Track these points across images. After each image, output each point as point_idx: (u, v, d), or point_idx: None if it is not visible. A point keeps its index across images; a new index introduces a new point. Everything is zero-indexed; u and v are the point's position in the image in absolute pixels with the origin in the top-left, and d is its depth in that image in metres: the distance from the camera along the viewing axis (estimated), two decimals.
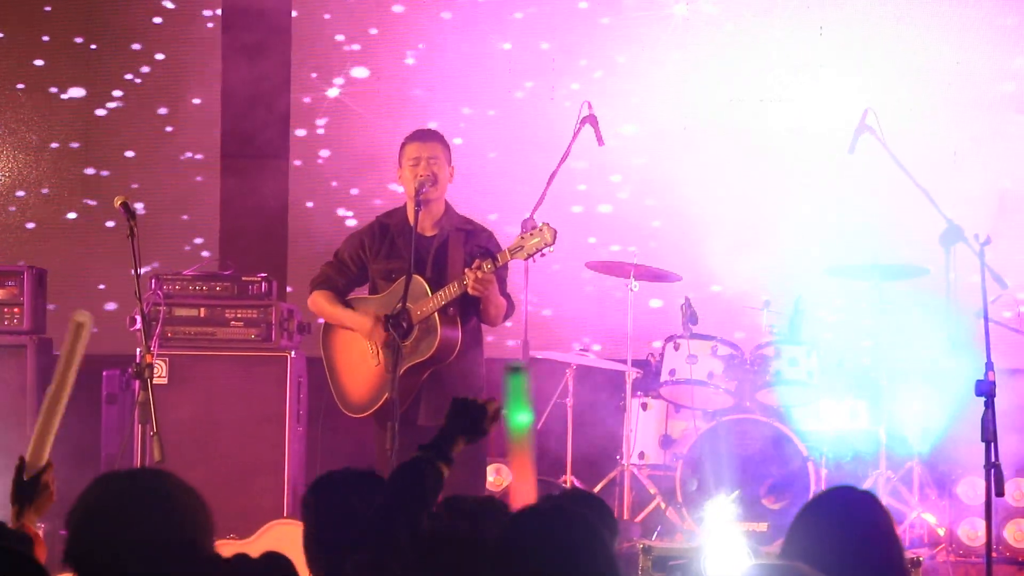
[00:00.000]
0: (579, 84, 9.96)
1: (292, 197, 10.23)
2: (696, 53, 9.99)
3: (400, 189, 7.70)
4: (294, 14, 10.25)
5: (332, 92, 10.20)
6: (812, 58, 9.92)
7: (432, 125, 8.18)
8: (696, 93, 9.95)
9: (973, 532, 8.37)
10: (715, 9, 10.02)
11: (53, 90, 10.29)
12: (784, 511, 8.45)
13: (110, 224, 9.98)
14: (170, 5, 10.29)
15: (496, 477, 8.86)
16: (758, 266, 9.47)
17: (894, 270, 8.80)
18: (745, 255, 9.57)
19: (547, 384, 9.07)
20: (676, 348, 8.78)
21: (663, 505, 8.68)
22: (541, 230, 6.98)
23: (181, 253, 10.09)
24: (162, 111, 10.28)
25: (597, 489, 8.91)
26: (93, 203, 10.23)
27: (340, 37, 10.23)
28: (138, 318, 7.27)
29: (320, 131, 10.23)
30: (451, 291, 7.06)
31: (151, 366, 6.75)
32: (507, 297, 7.26)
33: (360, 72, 10.21)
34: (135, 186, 10.09)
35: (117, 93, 10.30)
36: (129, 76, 10.28)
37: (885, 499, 8.30)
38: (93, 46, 10.29)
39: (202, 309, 8.62)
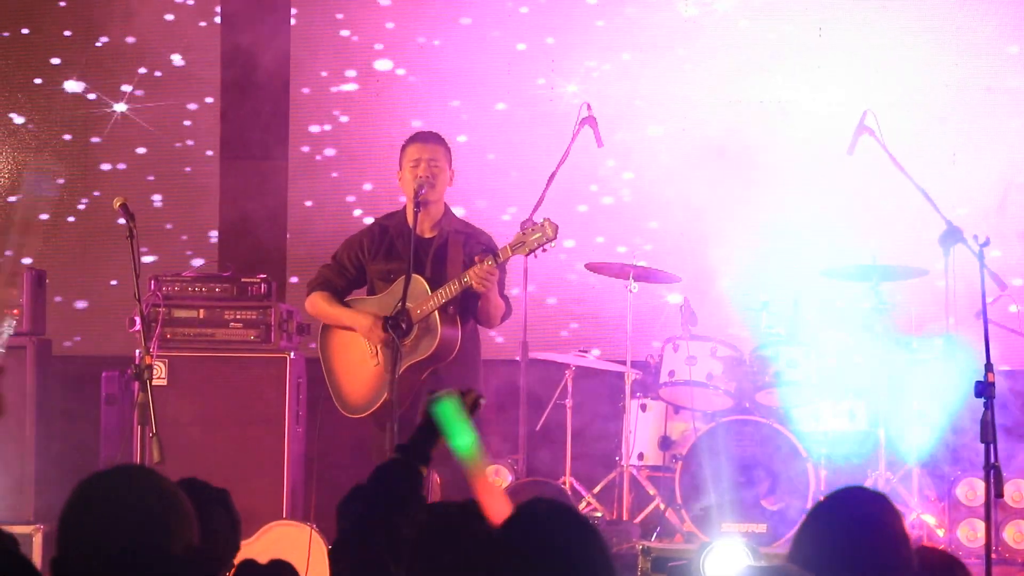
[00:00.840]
0: (578, 85, 9.96)
1: (291, 197, 10.23)
2: (695, 54, 9.98)
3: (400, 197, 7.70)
4: (294, 11, 10.25)
5: (335, 88, 10.21)
6: (811, 59, 9.92)
7: (421, 123, 8.18)
8: (695, 94, 9.95)
9: (972, 533, 8.37)
10: (715, 11, 10.02)
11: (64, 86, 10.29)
12: (783, 512, 8.45)
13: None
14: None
15: (495, 478, 8.86)
16: (757, 267, 9.47)
17: (893, 271, 8.79)
18: (744, 256, 9.57)
19: (546, 385, 9.08)
20: (675, 349, 8.78)
21: (662, 506, 8.68)
22: (543, 225, 7.00)
23: (181, 253, 10.09)
24: (162, 111, 10.29)
25: (596, 490, 8.92)
26: (86, 202, 10.24)
27: (344, 33, 10.23)
28: (137, 319, 7.27)
29: (320, 130, 10.23)
30: (451, 289, 7.07)
31: (150, 367, 6.75)
32: (505, 299, 7.27)
33: (361, 71, 10.21)
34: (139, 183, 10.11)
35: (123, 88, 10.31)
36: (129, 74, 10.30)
37: None
38: (99, 42, 10.30)
39: (201, 310, 8.62)
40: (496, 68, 10.08)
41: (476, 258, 7.02)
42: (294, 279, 10.02)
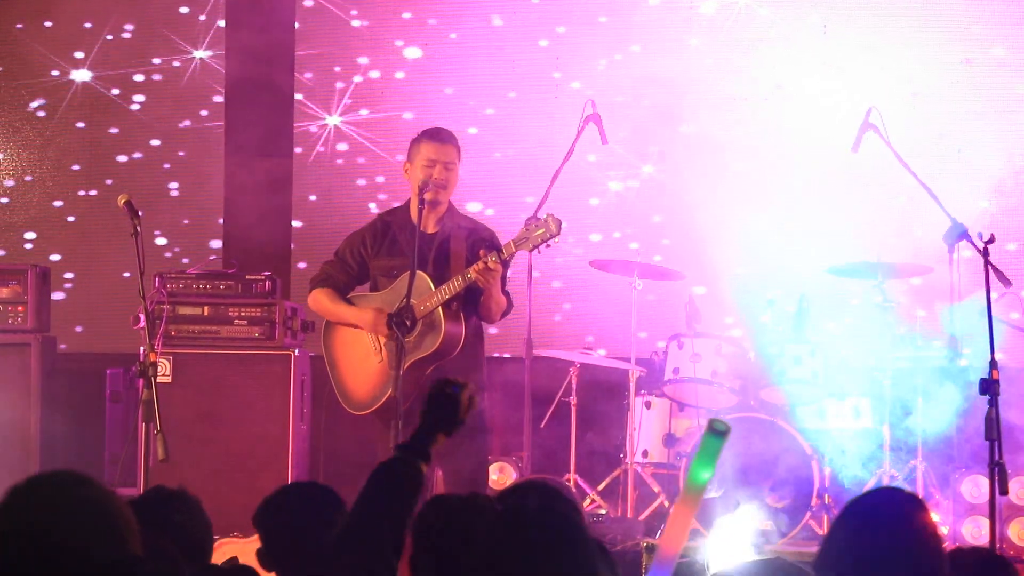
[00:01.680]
0: (582, 81, 9.96)
1: (296, 194, 10.24)
2: (700, 52, 9.98)
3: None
4: (309, 3, 10.26)
5: (341, 84, 10.21)
6: (816, 56, 9.91)
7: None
8: (700, 91, 9.94)
9: (977, 531, 8.36)
10: (719, 8, 10.01)
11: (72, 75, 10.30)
12: (787, 509, 8.44)
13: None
14: None
15: (500, 476, 8.86)
16: (762, 264, 9.47)
17: (898, 268, 8.79)
18: (749, 253, 9.57)
19: (551, 383, 9.07)
20: (680, 347, 8.78)
21: (667, 503, 8.68)
22: (546, 221, 7.00)
23: (185, 251, 10.10)
24: (165, 109, 10.30)
25: (601, 487, 8.92)
26: (86, 193, 10.25)
27: (347, 27, 10.23)
28: (142, 316, 7.27)
29: (325, 127, 10.23)
30: (455, 285, 7.07)
31: (155, 364, 6.74)
32: (506, 295, 7.27)
33: (365, 64, 10.22)
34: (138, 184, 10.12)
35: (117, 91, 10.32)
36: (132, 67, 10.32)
37: None
38: (108, 36, 10.32)
39: (206, 307, 8.62)
40: (499, 65, 10.09)
41: (480, 253, 7.02)
42: (302, 265, 10.02)
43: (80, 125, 10.34)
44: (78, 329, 10.20)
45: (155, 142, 10.30)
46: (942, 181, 8.94)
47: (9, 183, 10.35)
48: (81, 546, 3.27)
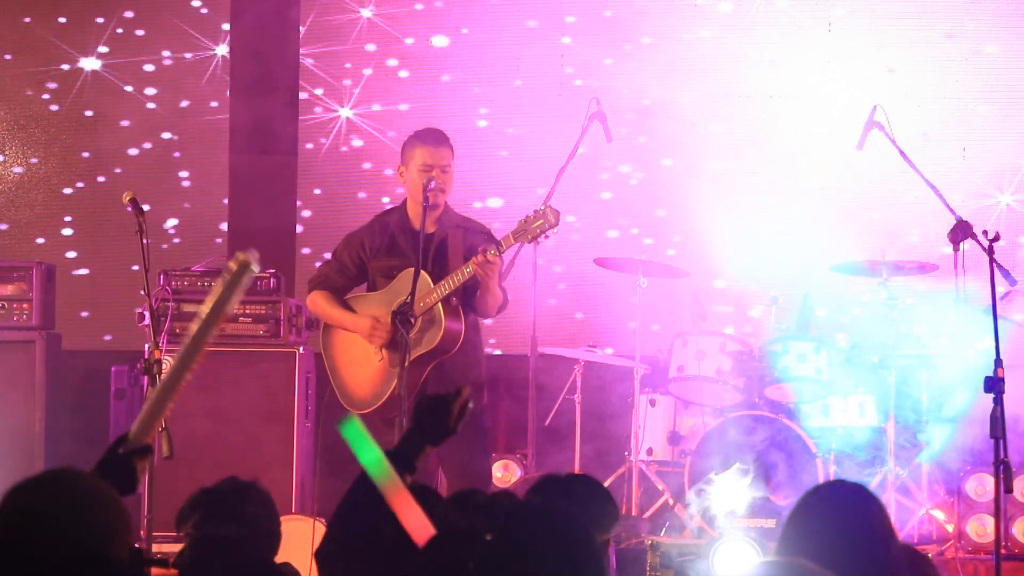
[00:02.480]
0: (586, 79, 9.95)
1: (301, 191, 10.24)
2: (705, 49, 9.97)
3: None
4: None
5: (346, 82, 10.21)
6: (821, 54, 9.91)
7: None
8: (705, 89, 9.94)
9: (982, 529, 8.35)
10: (724, 5, 10.00)
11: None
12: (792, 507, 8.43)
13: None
14: None
15: (504, 474, 8.87)
16: (767, 262, 9.46)
17: (902, 266, 8.78)
18: (754, 251, 9.57)
19: (556, 380, 9.07)
20: (684, 344, 8.78)
21: (671, 501, 8.67)
22: (544, 212, 7.00)
23: (190, 248, 10.10)
24: (168, 107, 10.30)
25: (605, 485, 8.89)
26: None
27: (357, 19, 10.22)
28: (147, 314, 7.27)
29: (335, 120, 10.23)
30: (454, 280, 7.07)
31: (159, 362, 6.75)
32: (503, 289, 7.27)
33: (375, 56, 10.22)
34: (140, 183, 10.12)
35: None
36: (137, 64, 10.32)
37: (894, 496, 8.29)
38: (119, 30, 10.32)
39: None
40: (503, 62, 10.09)
41: (480, 248, 7.02)
42: (306, 249, 10.02)
43: (88, 114, 10.34)
44: (84, 314, 10.19)
45: (166, 135, 10.29)
46: (947, 179, 8.93)
47: (18, 170, 10.33)
48: (62, 542, 3.27)
